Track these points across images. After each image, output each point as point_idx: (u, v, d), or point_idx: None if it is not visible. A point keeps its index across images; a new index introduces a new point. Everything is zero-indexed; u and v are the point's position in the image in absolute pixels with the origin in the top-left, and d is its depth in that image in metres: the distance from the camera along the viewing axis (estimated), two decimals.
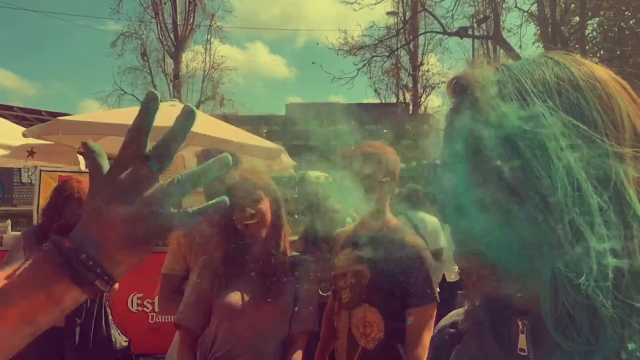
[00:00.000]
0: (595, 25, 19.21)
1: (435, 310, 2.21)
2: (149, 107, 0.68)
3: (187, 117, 0.68)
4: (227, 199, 0.69)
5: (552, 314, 0.55)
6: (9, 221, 7.84)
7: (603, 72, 0.65)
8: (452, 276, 5.68)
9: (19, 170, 16.22)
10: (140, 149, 0.66)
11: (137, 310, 5.18)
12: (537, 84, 0.62)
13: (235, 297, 2.13)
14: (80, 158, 7.78)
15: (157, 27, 23.76)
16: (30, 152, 7.51)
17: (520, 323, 0.64)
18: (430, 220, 5.69)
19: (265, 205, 2.16)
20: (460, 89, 0.68)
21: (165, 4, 23.81)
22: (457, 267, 5.85)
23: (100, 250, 0.63)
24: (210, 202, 0.68)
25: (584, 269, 0.54)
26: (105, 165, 0.68)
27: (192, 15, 23.92)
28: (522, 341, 0.63)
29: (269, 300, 2.09)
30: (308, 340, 2.20)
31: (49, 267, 0.62)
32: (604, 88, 0.62)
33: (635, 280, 0.55)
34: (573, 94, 0.61)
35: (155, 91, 0.69)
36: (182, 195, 0.66)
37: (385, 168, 2.25)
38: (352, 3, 21.71)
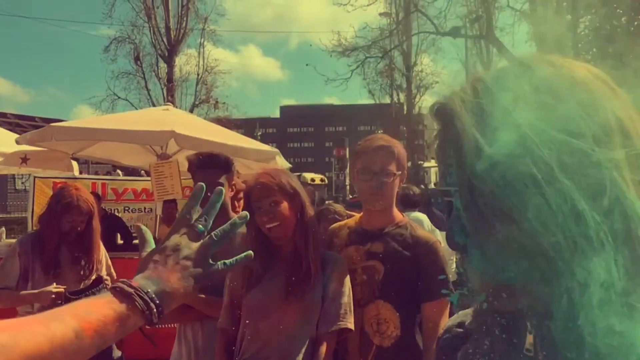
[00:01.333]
0: (587, 23, 19.29)
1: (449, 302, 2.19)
2: (196, 195, 0.97)
3: (217, 194, 0.97)
4: (252, 254, 0.98)
5: (561, 332, 0.55)
6: (3, 228, 7.82)
7: (582, 69, 0.63)
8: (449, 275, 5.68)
9: (13, 177, 16.14)
10: (190, 219, 0.94)
11: None
12: (518, 101, 0.60)
13: (260, 298, 2.11)
14: (74, 164, 7.76)
15: (149, 31, 23.70)
16: (24, 158, 7.48)
17: (528, 323, 0.63)
18: (427, 219, 5.69)
19: (284, 207, 2.10)
20: (441, 116, 0.66)
21: (157, 8, 23.75)
22: (454, 265, 5.85)
23: (161, 288, 0.86)
24: (240, 255, 0.97)
25: (589, 290, 0.53)
26: (150, 239, 0.97)
27: (184, 19, 23.86)
28: (530, 341, 0.62)
29: (295, 300, 2.05)
30: (339, 338, 2.12)
31: (121, 297, 0.83)
32: (585, 89, 0.60)
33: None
34: (555, 105, 0.59)
35: (203, 185, 0.98)
36: (218, 247, 0.93)
37: (397, 160, 2.21)
38: (344, 5, 21.81)
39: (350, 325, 2.08)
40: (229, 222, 0.95)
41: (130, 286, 0.84)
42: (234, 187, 2.76)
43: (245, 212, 0.96)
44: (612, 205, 0.55)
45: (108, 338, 0.81)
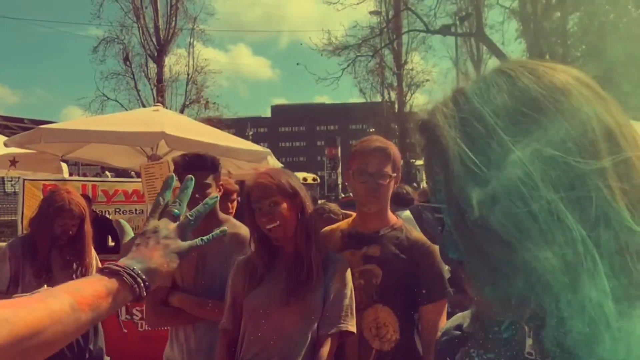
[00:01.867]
0: (576, 20, 19.40)
1: (447, 303, 2.19)
2: (168, 183, 1.06)
3: (187, 182, 1.06)
4: (226, 229, 1.10)
5: (555, 343, 0.55)
6: None
7: (563, 75, 0.62)
8: None
9: (2, 179, 16.00)
10: (165, 205, 1.04)
11: (126, 318, 5.12)
12: (499, 114, 0.58)
13: (261, 299, 2.09)
14: (64, 166, 7.71)
15: (138, 31, 23.53)
16: (13, 161, 7.43)
17: (527, 327, 0.62)
18: None
19: (284, 208, 2.07)
20: (426, 132, 0.65)
21: (146, 8, 23.60)
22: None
23: (146, 266, 0.94)
24: (216, 231, 1.07)
25: (580, 304, 0.53)
26: (129, 230, 1.14)
27: (173, 18, 23.70)
28: (530, 344, 0.62)
29: (296, 301, 2.02)
30: (340, 341, 2.08)
31: (110, 275, 0.91)
32: (566, 97, 0.59)
33: (633, 301, 0.53)
34: (536, 117, 0.57)
35: (173, 175, 1.08)
36: (194, 227, 1.02)
37: (392, 162, 2.19)
38: (334, 3, 21.79)
39: (352, 328, 2.05)
40: (202, 202, 1.05)
41: (118, 266, 0.92)
42: (221, 187, 2.75)
43: (216, 194, 1.08)
44: (598, 217, 0.54)
45: (101, 312, 0.88)
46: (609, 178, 0.55)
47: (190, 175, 1.08)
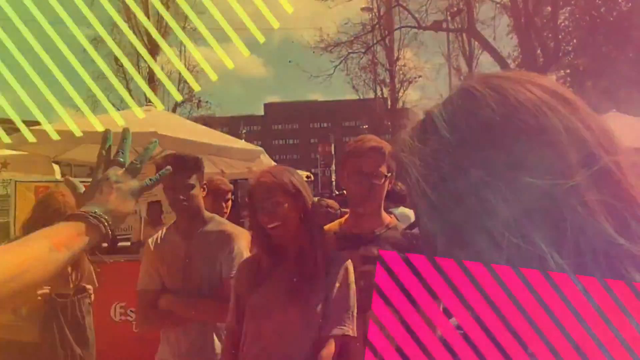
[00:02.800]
0: (567, 15, 19.46)
1: None
2: (105, 138, 1.18)
3: (124, 134, 1.18)
4: (170, 169, 1.28)
5: None
6: None
7: (529, 88, 0.58)
8: None
9: None
10: (109, 157, 1.15)
11: (120, 319, 5.09)
12: (466, 143, 0.56)
13: (263, 298, 2.07)
14: (56, 167, 7.66)
15: (130, 30, 23.47)
16: (4, 163, 7.35)
17: None
18: (413, 214, 5.69)
19: (286, 207, 2.05)
20: (397, 164, 0.63)
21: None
22: None
23: (105, 208, 1.05)
24: (162, 170, 1.23)
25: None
26: (78, 184, 1.16)
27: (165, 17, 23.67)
28: None
29: (297, 301, 2.00)
30: (342, 344, 2.04)
31: (75, 219, 1.03)
32: (533, 115, 0.56)
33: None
34: (504, 143, 0.55)
35: (110, 129, 1.19)
36: (140, 170, 1.13)
37: (387, 162, 2.18)
38: (326, 0, 21.74)
39: (352, 332, 2.02)
40: (145, 147, 1.17)
41: (80, 212, 1.04)
42: (205, 186, 2.73)
43: (155, 139, 1.23)
44: (576, 237, 0.51)
45: (75, 251, 1.00)
46: (585, 193, 0.52)
47: (127, 127, 1.19)
